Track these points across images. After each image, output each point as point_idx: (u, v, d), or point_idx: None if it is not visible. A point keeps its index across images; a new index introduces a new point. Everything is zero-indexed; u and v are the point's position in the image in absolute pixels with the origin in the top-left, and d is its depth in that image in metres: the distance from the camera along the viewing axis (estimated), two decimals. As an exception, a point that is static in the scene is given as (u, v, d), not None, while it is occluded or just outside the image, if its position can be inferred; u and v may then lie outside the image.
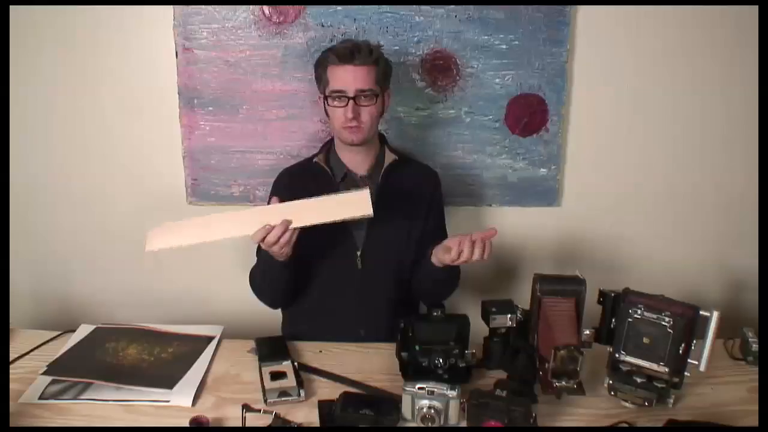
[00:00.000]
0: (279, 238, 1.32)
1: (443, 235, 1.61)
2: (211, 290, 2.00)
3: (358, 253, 1.56)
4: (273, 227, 1.31)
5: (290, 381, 1.27)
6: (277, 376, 1.28)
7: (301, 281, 1.58)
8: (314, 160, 1.60)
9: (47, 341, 1.46)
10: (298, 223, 1.33)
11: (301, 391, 1.25)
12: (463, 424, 1.18)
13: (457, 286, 1.63)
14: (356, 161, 1.59)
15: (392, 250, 1.58)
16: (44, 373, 1.31)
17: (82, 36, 1.78)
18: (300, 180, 1.60)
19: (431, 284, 1.56)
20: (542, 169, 1.92)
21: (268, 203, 1.64)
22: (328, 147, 1.63)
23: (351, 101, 1.47)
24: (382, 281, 1.59)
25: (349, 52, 1.47)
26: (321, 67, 1.53)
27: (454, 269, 1.47)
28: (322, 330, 1.55)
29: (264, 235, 1.32)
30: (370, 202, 1.31)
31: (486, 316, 1.35)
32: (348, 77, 1.47)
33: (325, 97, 1.52)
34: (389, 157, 1.59)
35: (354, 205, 1.32)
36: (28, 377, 1.31)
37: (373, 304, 1.59)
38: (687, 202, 1.99)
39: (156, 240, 1.39)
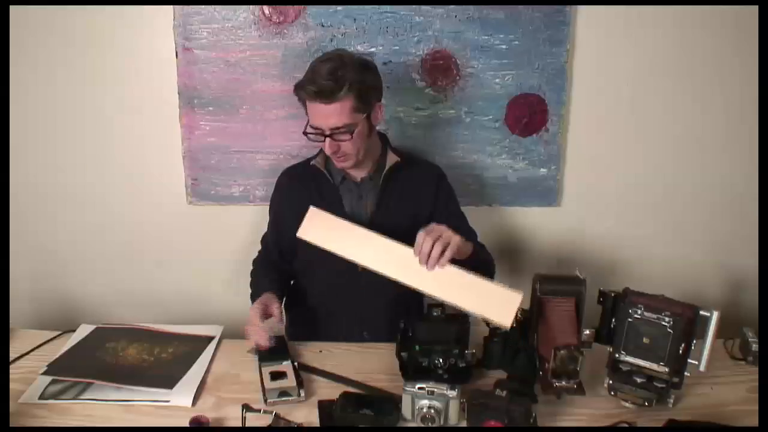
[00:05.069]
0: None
1: (458, 223, 1.54)
2: (211, 290, 2.00)
3: None
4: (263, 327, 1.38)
5: (290, 381, 1.27)
6: (277, 376, 1.29)
7: (300, 292, 1.58)
8: (312, 163, 1.57)
9: (47, 341, 1.46)
10: (435, 289, 1.30)
11: (301, 391, 1.25)
12: (463, 424, 1.18)
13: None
14: (355, 168, 1.55)
15: None
16: (44, 373, 1.31)
17: (82, 36, 1.78)
18: (299, 181, 1.59)
19: None
20: (542, 169, 1.92)
21: (270, 204, 1.64)
22: None
23: (328, 138, 1.41)
24: (384, 284, 1.58)
25: (319, 91, 1.38)
26: (298, 93, 1.45)
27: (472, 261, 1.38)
28: (325, 333, 1.55)
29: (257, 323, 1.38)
30: (514, 315, 1.24)
31: (486, 316, 1.35)
32: (321, 115, 1.41)
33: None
34: (392, 159, 1.55)
35: (499, 304, 1.26)
36: (28, 377, 1.31)
37: (375, 307, 1.58)
38: (687, 202, 1.99)
39: (312, 228, 1.41)
